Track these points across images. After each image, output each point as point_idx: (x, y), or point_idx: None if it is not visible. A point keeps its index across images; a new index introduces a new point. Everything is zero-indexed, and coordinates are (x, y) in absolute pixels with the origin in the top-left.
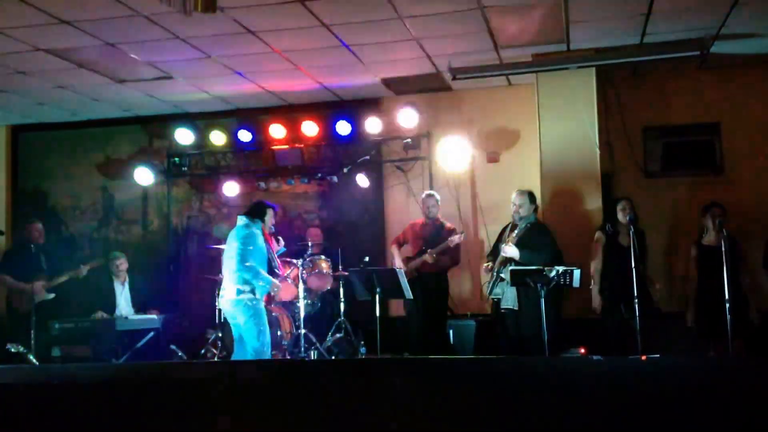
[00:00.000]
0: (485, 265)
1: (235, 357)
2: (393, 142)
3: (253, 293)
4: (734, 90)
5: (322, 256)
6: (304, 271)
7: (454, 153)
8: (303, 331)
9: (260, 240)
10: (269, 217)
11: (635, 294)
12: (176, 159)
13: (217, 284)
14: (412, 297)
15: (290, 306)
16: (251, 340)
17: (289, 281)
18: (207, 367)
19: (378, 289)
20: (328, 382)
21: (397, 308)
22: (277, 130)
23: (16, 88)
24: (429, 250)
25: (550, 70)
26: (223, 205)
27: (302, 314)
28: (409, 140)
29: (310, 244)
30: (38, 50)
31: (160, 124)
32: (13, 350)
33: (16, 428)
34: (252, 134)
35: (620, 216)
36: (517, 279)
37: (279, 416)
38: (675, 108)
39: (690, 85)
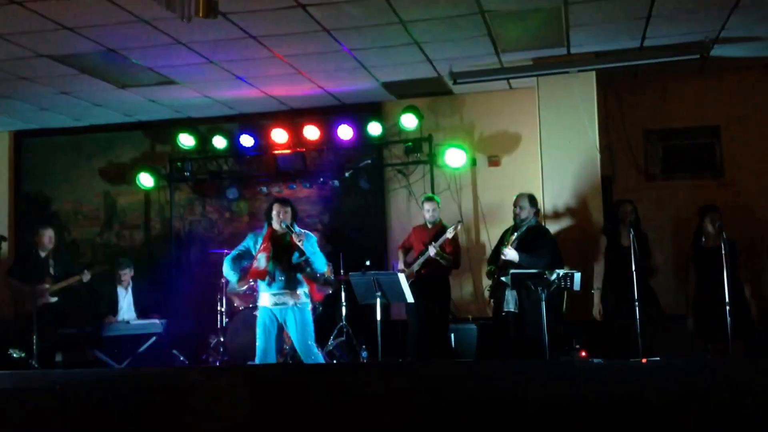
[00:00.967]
0: (487, 269)
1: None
2: (394, 146)
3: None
4: (734, 93)
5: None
6: None
7: (455, 157)
8: None
9: (245, 242)
10: (275, 213)
11: (635, 296)
12: (178, 164)
13: (218, 289)
14: (413, 301)
15: None
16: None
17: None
18: (207, 372)
19: (379, 293)
20: (329, 385)
21: (398, 312)
22: (278, 135)
23: (20, 94)
24: (432, 243)
25: (551, 74)
26: (225, 209)
27: None
28: (410, 144)
29: None
30: (41, 56)
31: (162, 129)
32: (15, 356)
33: None
34: (254, 139)
35: (623, 218)
36: (517, 282)
37: (276, 420)
38: (675, 111)
39: (690, 89)
